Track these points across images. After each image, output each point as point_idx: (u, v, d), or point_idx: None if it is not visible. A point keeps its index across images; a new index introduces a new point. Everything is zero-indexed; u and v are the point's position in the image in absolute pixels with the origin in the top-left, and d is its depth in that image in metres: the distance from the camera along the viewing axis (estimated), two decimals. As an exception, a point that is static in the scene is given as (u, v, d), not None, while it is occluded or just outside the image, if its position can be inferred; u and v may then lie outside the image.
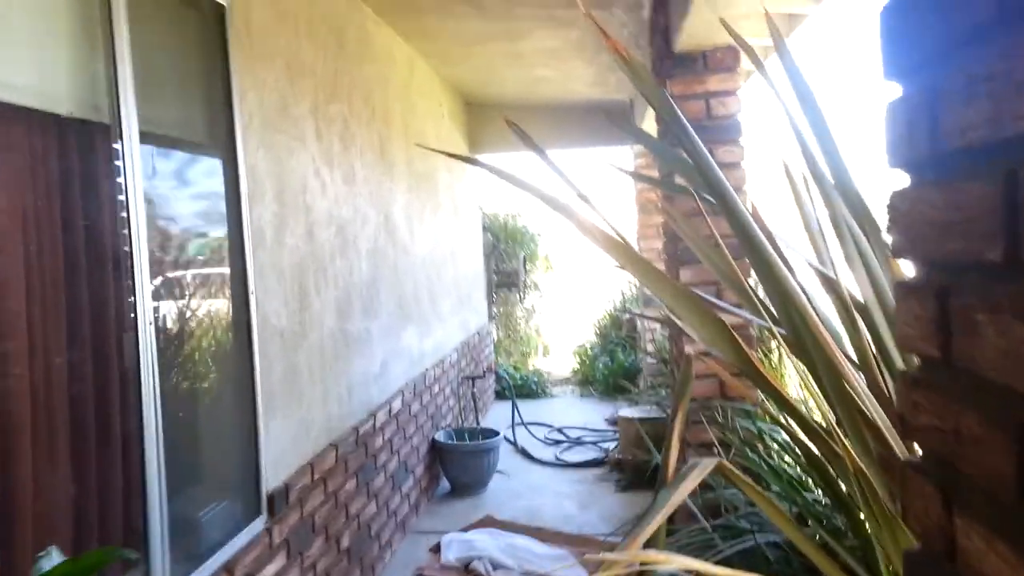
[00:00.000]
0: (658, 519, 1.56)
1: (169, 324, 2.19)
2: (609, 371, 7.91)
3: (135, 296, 1.95)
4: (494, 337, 8.26)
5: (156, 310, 2.05)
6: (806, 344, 1.34)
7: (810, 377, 1.53)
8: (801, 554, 2.14)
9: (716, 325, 1.40)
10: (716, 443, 3.02)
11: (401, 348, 4.41)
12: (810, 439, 1.50)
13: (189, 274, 2.32)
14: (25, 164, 1.71)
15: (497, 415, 6.82)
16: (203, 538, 2.24)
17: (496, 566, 3.62)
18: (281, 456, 2.72)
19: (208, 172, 2.48)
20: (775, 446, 2.83)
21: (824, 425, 1.46)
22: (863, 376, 1.40)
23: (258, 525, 2.49)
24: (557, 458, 5.66)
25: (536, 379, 8.17)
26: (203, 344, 2.41)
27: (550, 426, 6.57)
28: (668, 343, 6.58)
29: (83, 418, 1.88)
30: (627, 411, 5.47)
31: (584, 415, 7.04)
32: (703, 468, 1.63)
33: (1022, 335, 0.58)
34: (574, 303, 10.57)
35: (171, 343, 2.20)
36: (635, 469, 4.87)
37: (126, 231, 1.96)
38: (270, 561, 2.53)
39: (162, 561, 1.97)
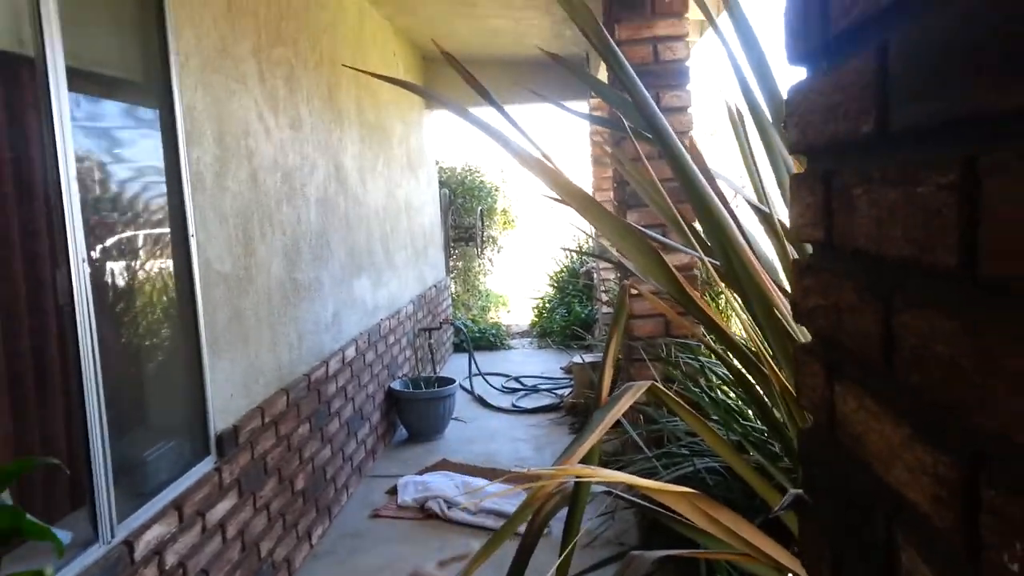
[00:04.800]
0: (592, 437, 1.62)
1: (106, 265, 2.16)
2: (566, 322, 8.01)
3: (67, 233, 1.91)
4: (452, 291, 8.28)
5: (90, 249, 2.02)
6: (738, 274, 1.38)
7: (745, 312, 1.58)
8: (739, 478, 2.24)
9: (652, 256, 1.44)
10: (659, 379, 3.10)
11: (354, 298, 4.41)
12: (745, 369, 1.56)
13: (125, 215, 2.28)
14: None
15: (454, 367, 6.88)
16: (149, 477, 2.25)
17: (451, 504, 3.70)
18: (230, 400, 2.72)
19: (142, 111, 2.42)
20: (715, 379, 2.92)
21: (757, 354, 1.52)
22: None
23: (207, 465, 2.51)
24: (513, 405, 5.75)
25: (494, 332, 8.24)
26: (144, 288, 2.38)
27: (507, 376, 6.66)
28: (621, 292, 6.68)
29: (17, 358, 1.86)
30: (581, 358, 5.56)
31: (541, 365, 7.14)
32: (637, 389, 1.69)
33: (891, 200, 0.61)
34: (532, 257, 10.61)
35: (108, 285, 2.17)
36: (588, 412, 4.98)
37: (56, 168, 1.91)
38: (221, 499, 2.55)
39: (107, 499, 1.98)
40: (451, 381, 5.22)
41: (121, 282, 2.25)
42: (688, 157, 1.39)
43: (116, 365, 2.14)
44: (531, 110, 7.85)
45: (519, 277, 10.51)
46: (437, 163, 7.85)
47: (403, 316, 5.59)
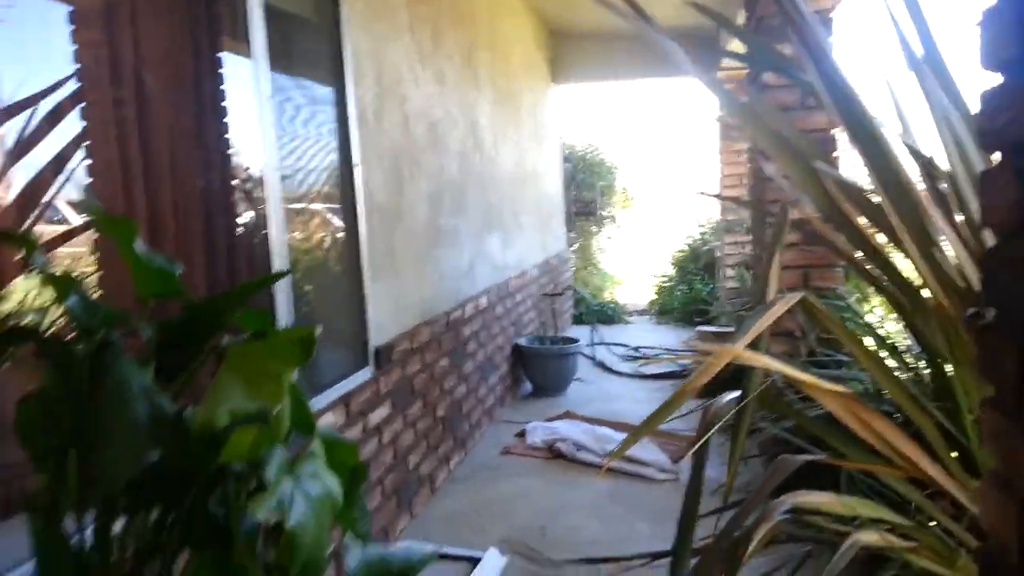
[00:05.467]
0: (756, 327, 1.66)
1: (289, 182, 2.41)
2: (687, 299, 7.94)
3: (263, 155, 2.16)
4: (572, 264, 8.39)
5: (280, 169, 2.27)
6: (901, 208, 1.39)
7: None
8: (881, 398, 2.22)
9: (809, 173, 1.49)
10: (799, 329, 3.09)
11: (486, 252, 4.60)
12: (905, 296, 1.55)
13: (306, 139, 2.53)
14: (170, 15, 1.92)
15: (575, 335, 6.98)
16: (323, 374, 2.49)
17: (579, 447, 3.82)
18: (383, 323, 2.95)
19: (316, 46, 2.67)
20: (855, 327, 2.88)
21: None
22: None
23: (366, 374, 2.74)
24: (635, 371, 5.80)
25: (612, 306, 8.29)
26: (317, 207, 2.63)
27: (626, 345, 6.70)
28: (746, 272, 6.57)
29: (222, 258, 2.12)
30: (705, 328, 5.53)
31: (661, 338, 7.13)
32: (792, 297, 1.73)
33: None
34: (651, 236, 10.55)
35: (291, 198, 2.43)
36: (714, 378, 4.95)
37: (256, 89, 2.16)
38: (378, 406, 2.78)
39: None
40: (574, 340, 5.33)
41: (301, 200, 2.50)
42: (857, 93, 1.43)
43: (297, 273, 2.39)
44: (660, 82, 7.81)
45: (635, 256, 10.47)
46: (560, 138, 7.97)
47: (528, 279, 5.76)
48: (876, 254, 1.54)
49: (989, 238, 1.42)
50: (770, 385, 2.03)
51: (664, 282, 8.69)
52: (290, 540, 0.86)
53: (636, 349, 6.57)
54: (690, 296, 7.95)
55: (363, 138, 2.82)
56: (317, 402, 2.36)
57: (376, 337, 2.85)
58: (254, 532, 0.92)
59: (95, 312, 0.91)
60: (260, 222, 2.19)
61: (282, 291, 2.22)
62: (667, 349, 6.57)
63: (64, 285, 0.90)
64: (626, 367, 5.97)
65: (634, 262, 10.38)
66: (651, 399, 5.06)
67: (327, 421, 2.37)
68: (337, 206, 2.72)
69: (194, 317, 1.00)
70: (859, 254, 1.70)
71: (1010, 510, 0.84)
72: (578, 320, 7.80)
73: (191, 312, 1.00)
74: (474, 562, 2.50)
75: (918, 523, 1.65)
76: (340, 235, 2.74)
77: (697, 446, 1.75)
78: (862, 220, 1.55)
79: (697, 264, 8.48)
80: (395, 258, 3.11)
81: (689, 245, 8.88)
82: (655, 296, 8.74)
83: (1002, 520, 0.86)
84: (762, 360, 1.62)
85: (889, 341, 2.51)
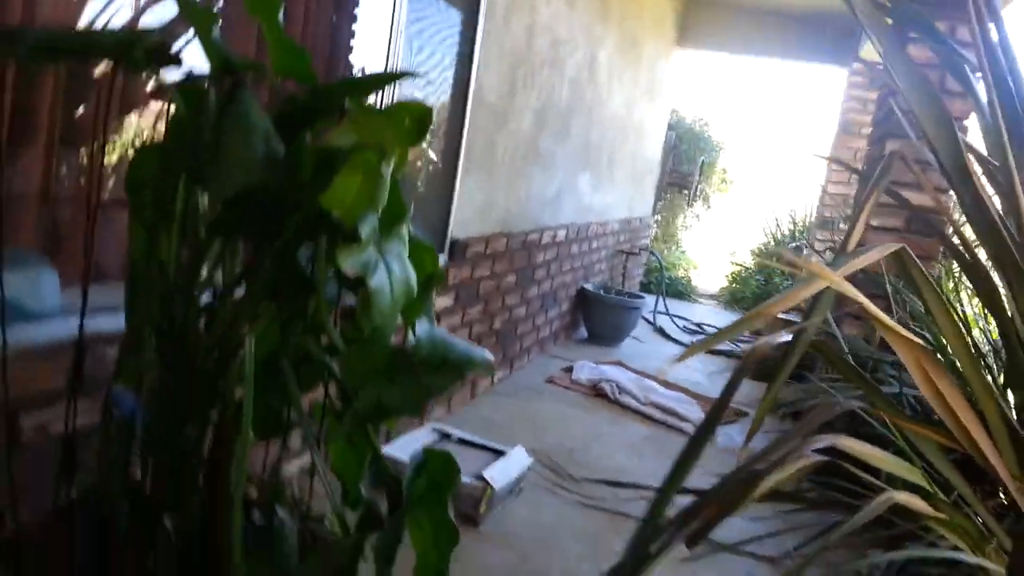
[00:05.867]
0: (853, 264, 1.61)
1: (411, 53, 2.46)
2: (761, 290, 7.76)
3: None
4: (653, 230, 8.29)
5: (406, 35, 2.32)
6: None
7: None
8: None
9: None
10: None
11: (576, 188, 4.60)
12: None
13: (435, 20, 2.57)
14: None
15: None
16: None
17: (622, 391, 3.84)
18: (466, 219, 3.01)
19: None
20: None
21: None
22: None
23: (440, 259, 2.81)
24: (693, 342, 5.74)
25: (684, 283, 8.18)
26: (431, 85, 2.68)
27: (690, 320, 6.64)
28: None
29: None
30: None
31: (726, 321, 7.02)
32: (886, 247, 1.68)
33: None
34: (740, 223, 10.30)
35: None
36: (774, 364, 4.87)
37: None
38: (442, 295, 2.86)
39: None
40: (639, 296, 5.31)
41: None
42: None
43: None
44: (792, 65, 7.51)
45: (717, 242, 10.25)
46: (671, 105, 7.81)
47: (608, 230, 5.73)
48: (997, 242, 1.48)
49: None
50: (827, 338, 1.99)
51: (742, 271, 8.50)
52: (369, 299, 0.92)
53: (699, 325, 6.50)
54: (766, 288, 7.77)
55: (487, 32, 2.84)
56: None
57: (456, 229, 2.91)
58: (335, 293, 0.98)
59: (233, 54, 0.96)
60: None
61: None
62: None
63: (205, 19, 0.96)
64: (685, 338, 5.92)
65: (715, 248, 10.17)
66: (705, 370, 5.02)
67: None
68: (449, 91, 2.76)
69: (319, 94, 1.04)
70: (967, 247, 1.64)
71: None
72: (645, 288, 7.73)
73: (317, 90, 1.05)
74: (499, 454, 2.58)
75: (954, 503, 1.61)
76: (445, 121, 2.79)
77: (730, 387, 1.75)
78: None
79: (779, 260, 8.25)
80: (493, 157, 3.15)
81: (776, 238, 8.64)
82: (729, 283, 8.58)
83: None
84: (848, 288, 1.58)
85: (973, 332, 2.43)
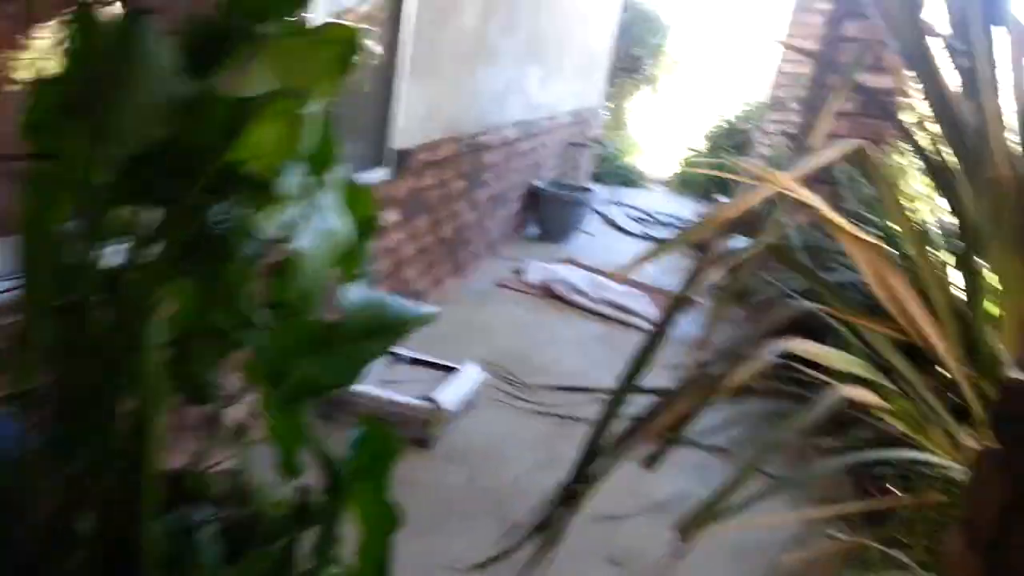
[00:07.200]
0: (809, 164, 1.57)
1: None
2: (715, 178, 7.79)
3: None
4: (604, 119, 8.15)
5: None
6: None
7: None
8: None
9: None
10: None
11: (523, 84, 4.44)
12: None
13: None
14: None
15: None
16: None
17: (574, 290, 3.88)
18: (409, 127, 2.88)
19: None
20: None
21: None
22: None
23: (383, 174, 2.72)
24: (643, 232, 5.79)
25: (633, 170, 8.15)
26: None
27: (640, 209, 6.66)
28: (786, 144, 6.36)
29: None
30: (725, 200, 5.46)
31: (676, 207, 7.08)
32: (847, 145, 1.65)
33: None
34: (688, 107, 10.16)
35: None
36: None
37: None
38: (390, 209, 2.79)
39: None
40: (588, 190, 5.29)
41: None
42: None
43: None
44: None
45: (666, 125, 10.13)
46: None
47: (557, 124, 5.60)
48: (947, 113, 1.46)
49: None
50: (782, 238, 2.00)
51: (693, 156, 8.48)
52: (292, 264, 0.87)
53: (648, 213, 6.53)
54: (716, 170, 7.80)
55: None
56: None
57: (400, 139, 2.80)
58: (254, 257, 0.90)
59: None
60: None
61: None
62: (677, 217, 6.53)
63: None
64: (635, 228, 5.96)
65: (664, 131, 10.07)
66: (655, 260, 5.08)
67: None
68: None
69: (235, 9, 0.92)
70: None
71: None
72: (596, 179, 7.68)
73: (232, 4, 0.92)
74: (451, 372, 2.59)
75: (902, 391, 1.68)
76: (383, 20, 2.62)
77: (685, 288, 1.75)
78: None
79: (731, 140, 8.24)
80: (435, 59, 3.00)
81: (728, 121, 8.58)
82: (680, 168, 8.57)
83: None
84: (804, 193, 1.55)
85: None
